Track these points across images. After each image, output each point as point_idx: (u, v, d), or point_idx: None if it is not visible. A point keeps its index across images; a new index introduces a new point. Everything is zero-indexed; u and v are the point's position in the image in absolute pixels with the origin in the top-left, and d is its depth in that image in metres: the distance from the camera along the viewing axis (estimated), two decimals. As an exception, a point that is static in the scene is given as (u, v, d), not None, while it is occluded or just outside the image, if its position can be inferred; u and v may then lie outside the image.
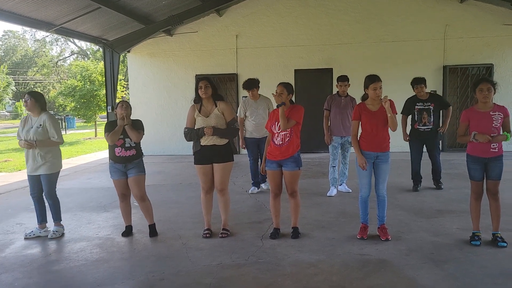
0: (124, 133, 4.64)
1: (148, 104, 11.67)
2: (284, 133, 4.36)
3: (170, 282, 3.53)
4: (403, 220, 5.01)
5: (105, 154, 11.84)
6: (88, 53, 33.90)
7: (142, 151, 4.84)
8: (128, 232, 4.83)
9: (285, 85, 4.44)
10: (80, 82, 19.21)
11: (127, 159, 4.65)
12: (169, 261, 3.98)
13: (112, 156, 4.71)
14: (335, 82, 9.18)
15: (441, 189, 6.45)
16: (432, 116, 6.26)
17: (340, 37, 10.96)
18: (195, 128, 4.52)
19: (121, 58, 18.93)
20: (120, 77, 21.25)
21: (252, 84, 6.40)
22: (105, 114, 14.67)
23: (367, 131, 4.34)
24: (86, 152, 14.04)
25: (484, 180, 4.16)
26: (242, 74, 11.18)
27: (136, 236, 4.76)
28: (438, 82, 10.70)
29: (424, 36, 10.66)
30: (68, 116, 26.46)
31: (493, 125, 3.99)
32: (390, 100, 4.18)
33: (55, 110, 37.92)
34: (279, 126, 4.35)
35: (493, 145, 4.01)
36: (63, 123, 25.00)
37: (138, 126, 4.76)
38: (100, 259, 4.13)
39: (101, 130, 23.15)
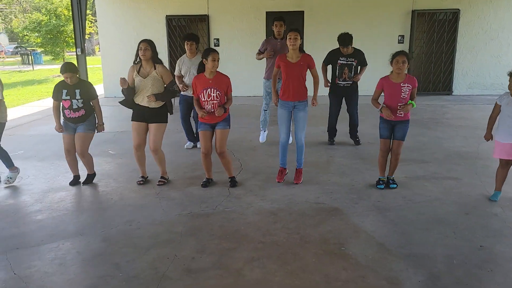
0: (72, 94, 4.82)
1: (118, 44, 11.51)
2: (213, 102, 4.65)
3: (145, 231, 3.95)
4: (358, 169, 5.53)
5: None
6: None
7: (93, 107, 5.02)
8: (75, 181, 5.15)
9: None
10: (45, 16, 18.45)
11: (77, 119, 4.92)
12: (144, 211, 4.39)
13: (63, 115, 4.96)
14: (306, 24, 9.27)
15: (359, 144, 6.58)
16: (353, 72, 6.29)
17: (312, -21, 10.88)
18: (130, 87, 4.83)
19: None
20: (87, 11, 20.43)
21: (190, 37, 6.16)
22: (73, 51, 14.35)
23: (284, 81, 4.75)
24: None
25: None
26: (213, 15, 11.09)
27: (113, 186, 5.11)
28: (406, 26, 10.93)
29: (395, -20, 10.70)
30: (35, 51, 25.52)
31: (401, 96, 4.55)
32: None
33: (19, 41, 36.22)
34: (208, 94, 4.62)
35: (399, 112, 4.57)
36: (30, 58, 24.17)
37: (91, 94, 4.95)
38: (80, 208, 4.50)
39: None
